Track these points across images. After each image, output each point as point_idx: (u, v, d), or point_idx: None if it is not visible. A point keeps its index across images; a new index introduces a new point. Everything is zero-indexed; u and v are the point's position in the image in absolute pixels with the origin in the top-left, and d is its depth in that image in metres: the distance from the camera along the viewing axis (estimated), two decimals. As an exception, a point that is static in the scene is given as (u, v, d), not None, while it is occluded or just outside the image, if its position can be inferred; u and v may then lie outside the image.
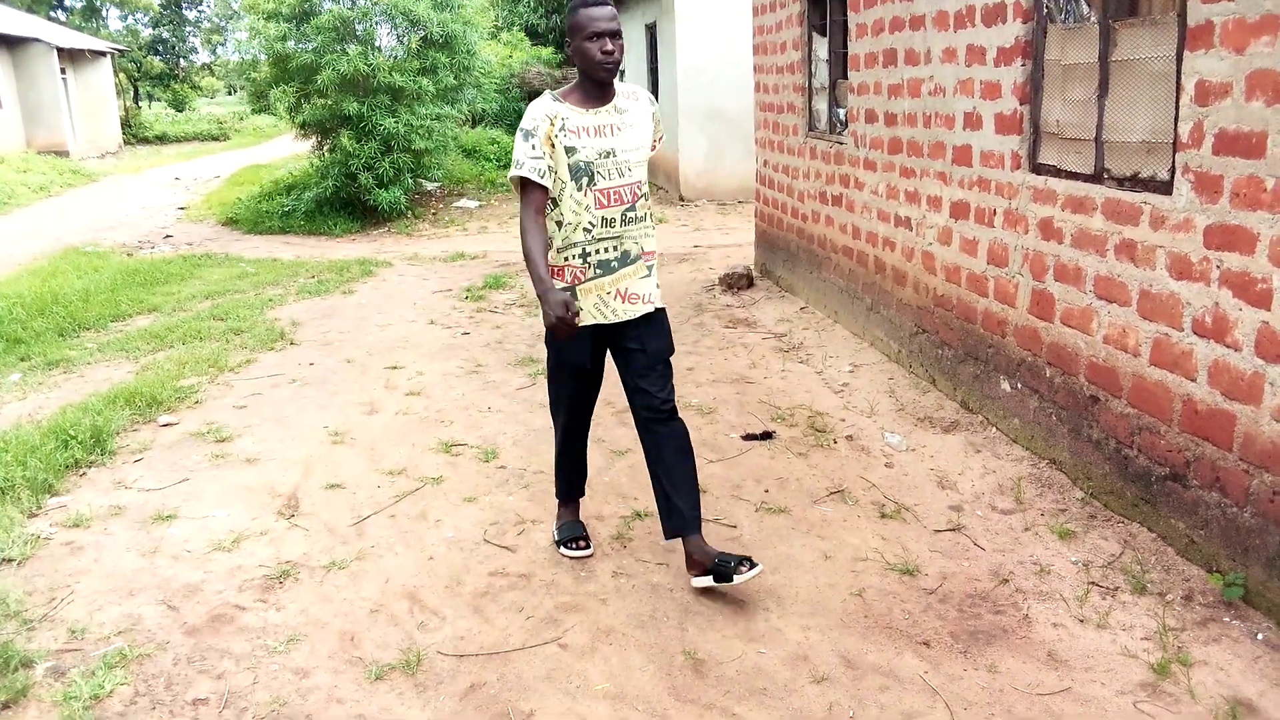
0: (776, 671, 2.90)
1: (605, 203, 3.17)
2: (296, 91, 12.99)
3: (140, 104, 42.92)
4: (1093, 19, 3.92)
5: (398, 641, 3.13)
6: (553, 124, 3.10)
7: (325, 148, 13.61)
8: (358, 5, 13.22)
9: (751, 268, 8.69)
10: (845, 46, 6.49)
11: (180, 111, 43.91)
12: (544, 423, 5.09)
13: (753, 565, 3.23)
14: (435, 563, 3.66)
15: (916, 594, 3.31)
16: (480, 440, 4.88)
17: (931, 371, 5.39)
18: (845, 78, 6.57)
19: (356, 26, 13.14)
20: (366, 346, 6.81)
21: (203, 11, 50.39)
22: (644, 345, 3.30)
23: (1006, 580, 3.36)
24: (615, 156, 3.16)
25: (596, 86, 3.15)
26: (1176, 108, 3.35)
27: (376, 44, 13.38)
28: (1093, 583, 3.30)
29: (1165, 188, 3.44)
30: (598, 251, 3.21)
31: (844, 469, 4.40)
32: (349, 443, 4.93)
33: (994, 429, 4.70)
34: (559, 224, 3.19)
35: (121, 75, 35.89)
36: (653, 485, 3.42)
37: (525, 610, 3.30)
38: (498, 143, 19.27)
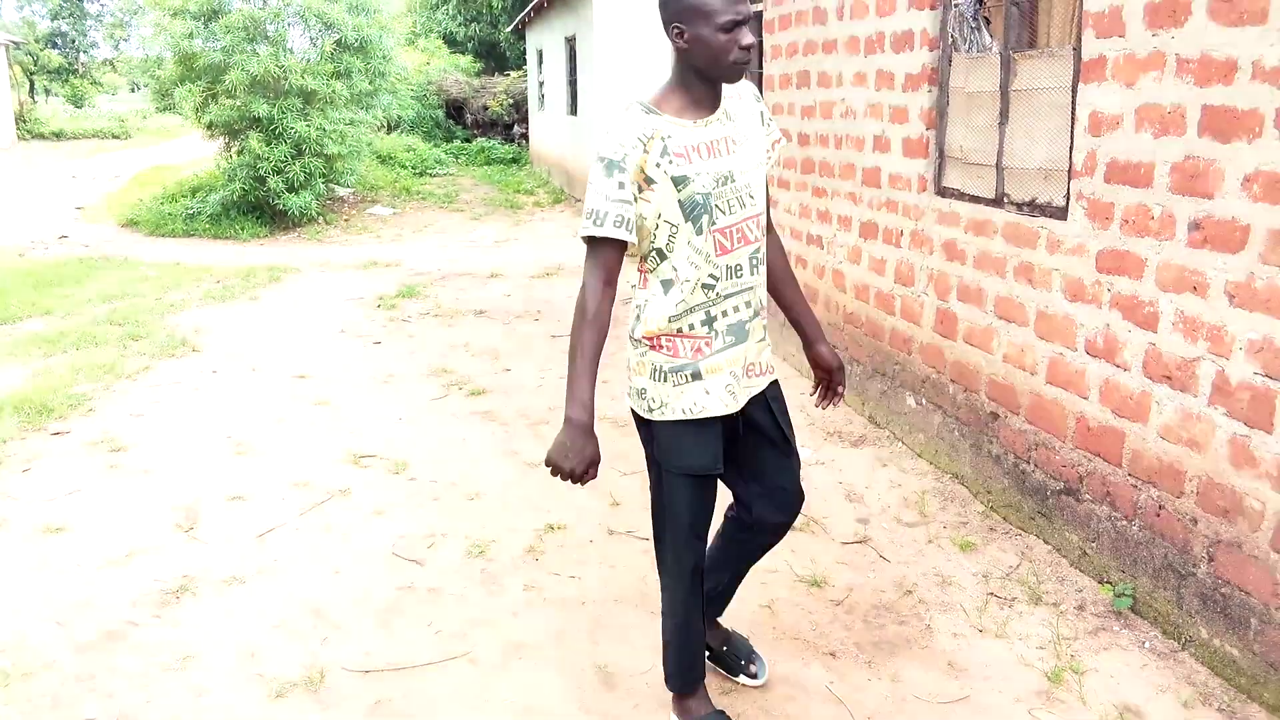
0: (686, 684, 2.91)
1: (728, 246, 2.30)
2: (203, 91, 12.63)
3: (36, 99, 41.13)
4: (994, 49, 4.08)
5: (300, 658, 3.05)
6: (647, 149, 2.20)
7: (233, 149, 13.25)
8: (269, 6, 12.94)
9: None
10: (761, 67, 6.60)
11: (79, 108, 42.23)
12: (456, 433, 5.04)
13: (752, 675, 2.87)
14: (341, 576, 3.58)
15: (824, 605, 3.37)
16: (390, 451, 4.79)
17: (841, 387, 5.49)
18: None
19: (268, 27, 12.86)
20: (273, 354, 6.64)
21: (105, 5, 48.61)
22: (774, 427, 2.58)
23: (910, 591, 3.45)
24: (734, 181, 2.28)
25: (708, 88, 2.27)
26: (1071, 137, 3.51)
27: (288, 46, 13.10)
28: (991, 593, 3.41)
29: (1061, 213, 3.59)
30: (726, 313, 2.35)
31: (755, 482, 4.45)
32: (253, 453, 4.79)
33: (900, 444, 4.82)
34: (667, 284, 2.31)
35: (16, 68, 34.36)
36: (717, 572, 2.83)
37: (434, 625, 3.25)
38: (413, 149, 19.07)
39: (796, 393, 5.68)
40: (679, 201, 2.24)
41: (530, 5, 17.51)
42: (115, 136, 32.71)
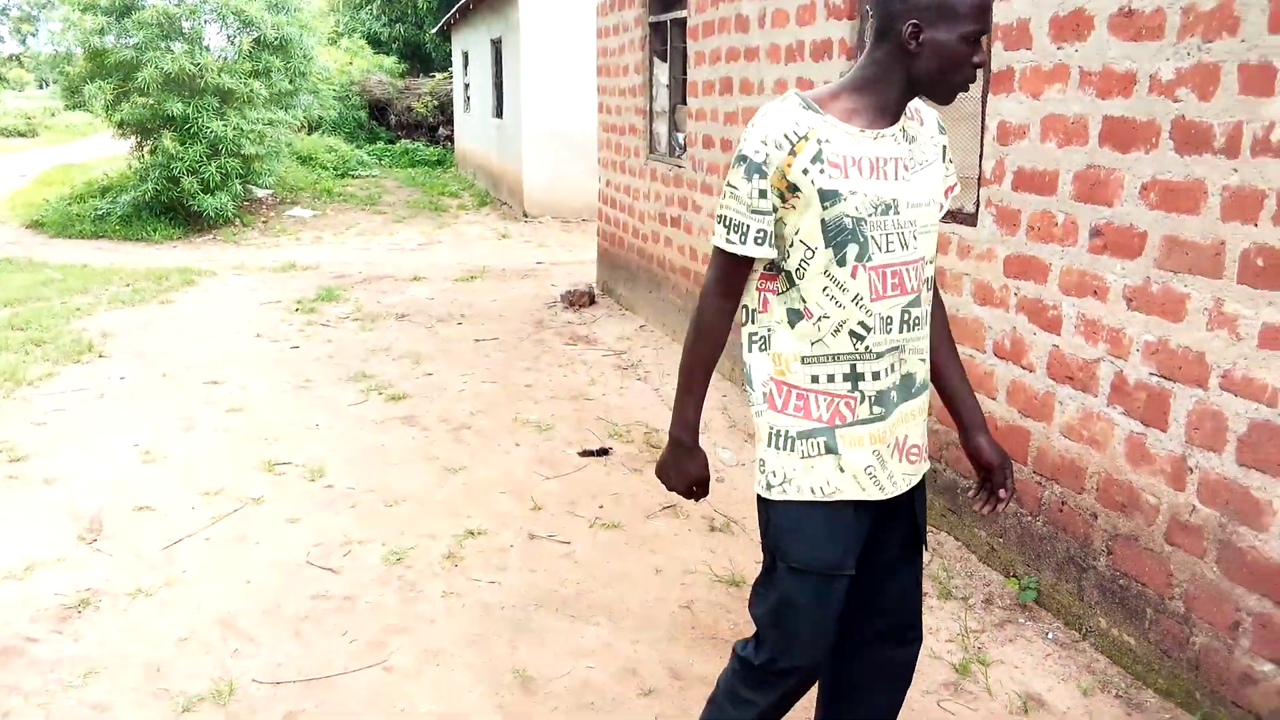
0: (606, 686, 2.92)
1: (882, 291, 1.86)
2: (115, 88, 12.22)
3: (-66, 93, 39.30)
4: (908, 59, 4.17)
5: (209, 671, 2.97)
6: (795, 150, 1.79)
7: (146, 149, 12.85)
8: (185, 2, 12.58)
9: (594, 285, 8.76)
10: (685, 73, 6.66)
11: (-19, 103, 40.44)
12: (375, 439, 4.97)
13: None
14: (253, 587, 3.49)
15: (742, 605, 3.40)
16: (306, 458, 4.69)
17: (762, 389, 5.56)
18: (685, 103, 6.74)
19: (183, 24, 12.50)
20: (185, 360, 6.45)
21: (10, -2, 46.68)
22: (912, 532, 2.07)
23: (827, 590, 3.50)
24: (898, 213, 1.85)
25: (900, 99, 1.85)
26: (981, 146, 3.61)
27: (205, 43, 12.76)
28: (905, 590, 3.49)
29: (971, 220, 3.69)
30: (878, 375, 1.90)
31: (677, 484, 4.47)
32: (162, 462, 4.65)
33: (819, 445, 4.89)
34: (794, 315, 1.88)
35: (-88, 60, 32.77)
36: None
37: (349, 634, 3.19)
38: (335, 150, 18.73)
39: (718, 395, 5.74)
40: (822, 220, 1.81)
41: (456, 7, 17.36)
42: (21, 134, 31.38)
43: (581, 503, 4.26)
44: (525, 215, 13.89)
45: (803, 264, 1.85)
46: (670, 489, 2.09)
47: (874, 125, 1.84)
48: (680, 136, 6.98)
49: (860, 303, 1.85)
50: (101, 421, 5.20)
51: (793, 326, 1.88)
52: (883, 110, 1.84)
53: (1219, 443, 2.64)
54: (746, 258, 1.87)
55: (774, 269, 1.89)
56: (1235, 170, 2.55)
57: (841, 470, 1.90)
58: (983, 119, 3.60)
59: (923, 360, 1.98)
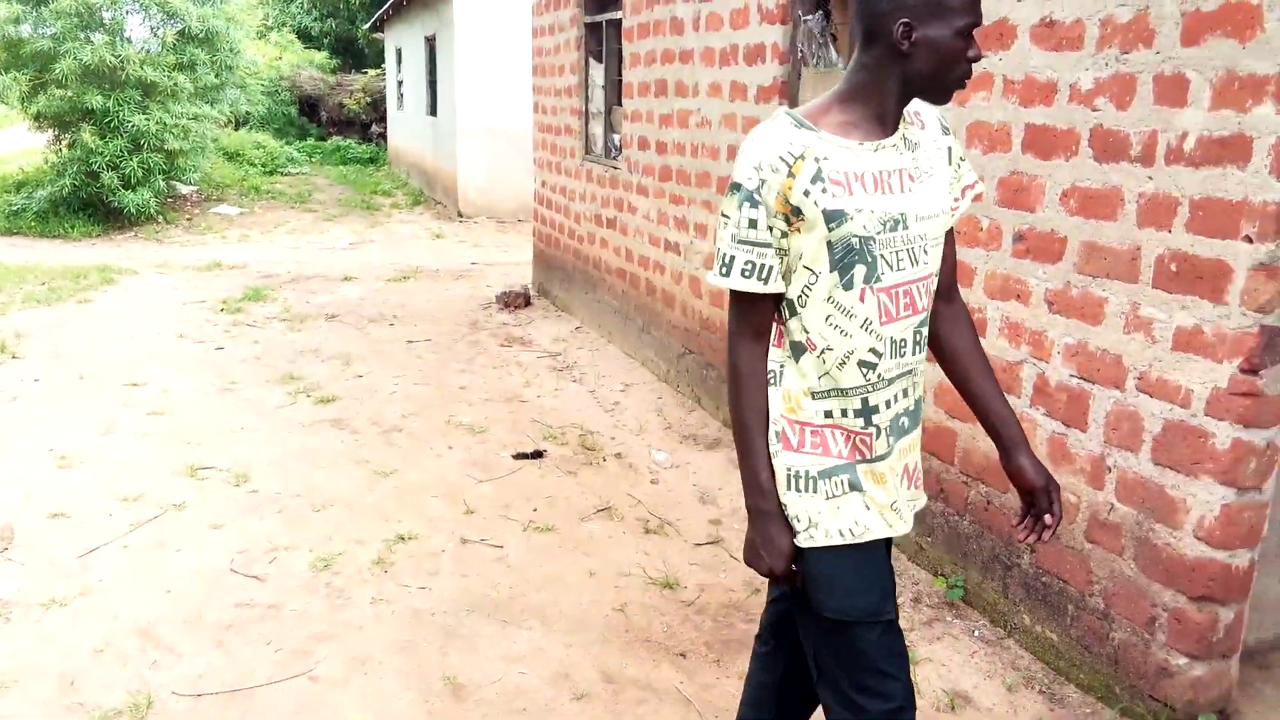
0: (538, 691, 2.89)
1: (893, 313, 1.75)
2: (31, 80, 11.78)
3: None
4: (840, 65, 4.23)
5: (126, 683, 2.87)
6: (794, 171, 1.67)
7: (64, 143, 12.41)
8: (105, -9, 12.18)
9: (529, 286, 8.70)
10: (621, 74, 6.65)
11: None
12: (303, 442, 4.86)
13: None
14: (173, 596, 3.39)
15: (676, 606, 3.41)
16: (231, 462, 4.57)
17: (697, 391, 5.59)
18: (620, 104, 6.74)
19: (103, 14, 12.10)
20: (104, 361, 6.24)
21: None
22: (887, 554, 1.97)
23: (759, 590, 3.52)
24: (906, 228, 1.74)
25: (895, 106, 1.73)
26: (909, 151, 3.67)
27: (126, 34, 12.37)
28: (836, 590, 3.52)
29: (900, 223, 3.74)
30: (889, 403, 1.80)
31: (612, 486, 4.47)
32: (78, 466, 4.49)
33: (753, 446, 4.92)
34: (796, 348, 1.77)
35: None
36: None
37: (273, 643, 3.11)
38: (264, 147, 18.34)
39: (654, 397, 5.75)
40: (827, 243, 1.69)
41: (389, 3, 17.11)
42: (-71, 125, 30.10)
43: (515, 506, 4.22)
44: (460, 215, 13.76)
45: (805, 291, 1.73)
46: (766, 573, 1.79)
47: (872, 137, 1.72)
48: (616, 138, 6.97)
49: (869, 328, 1.73)
50: (14, 425, 5.00)
51: (797, 360, 1.76)
52: (880, 119, 1.72)
53: (1136, 443, 2.72)
54: (752, 295, 1.73)
55: (776, 300, 1.77)
56: (1150, 178, 2.63)
57: (868, 508, 1.78)
58: (911, 125, 3.65)
59: (919, 381, 1.88)
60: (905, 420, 1.83)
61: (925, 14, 1.63)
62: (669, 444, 5.02)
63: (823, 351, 1.74)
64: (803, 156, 1.67)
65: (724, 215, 1.73)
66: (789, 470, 1.77)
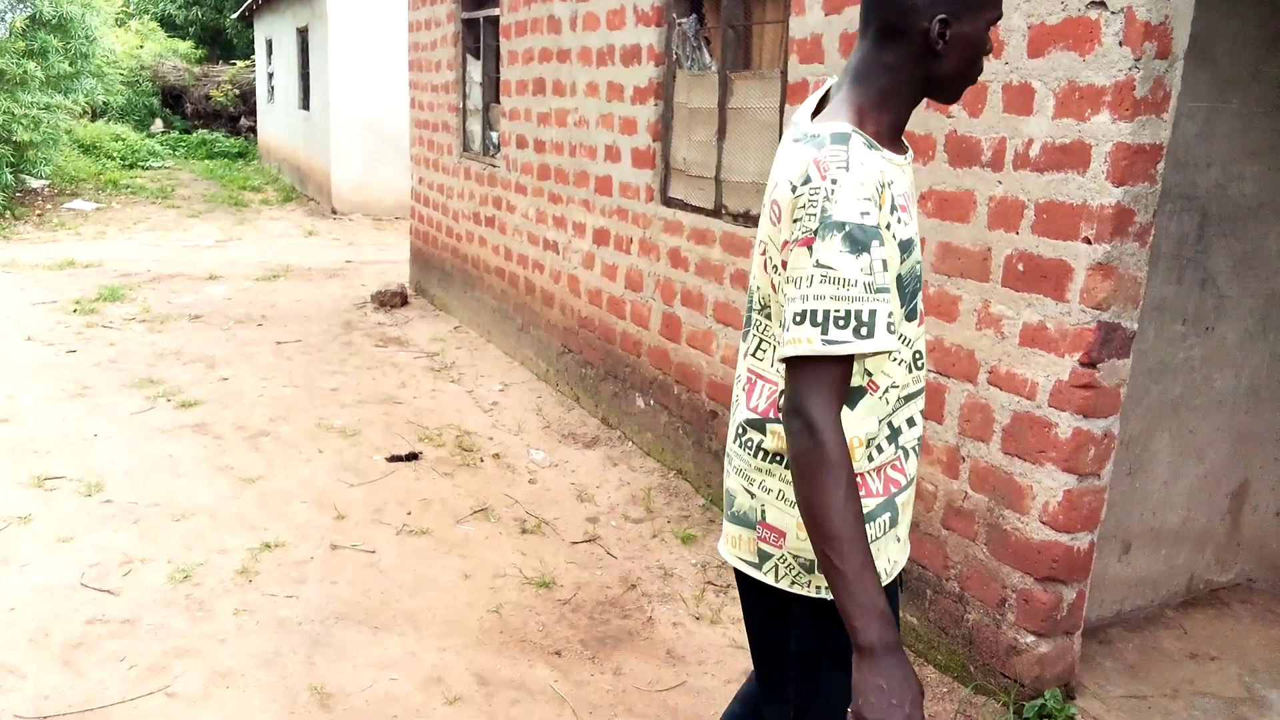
0: (409, 697, 2.84)
1: (920, 333, 1.65)
2: None
3: None
4: (713, 68, 4.30)
5: (-40, 708, 2.68)
6: (881, 204, 1.46)
7: (-104, 131, 11.52)
8: (-57, -31, 11.38)
9: (406, 285, 8.53)
10: (499, 71, 6.59)
11: None
12: (161, 449, 4.64)
13: None
14: (17, 614, 3.18)
15: (552, 605, 3.40)
16: (82, 471, 4.32)
17: (576, 390, 5.59)
18: (498, 102, 6.68)
19: (-60, -7, 11.30)
20: (-59, 365, 5.81)
21: None
22: None
23: (634, 586, 3.55)
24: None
25: (909, 111, 1.59)
26: (778, 153, 3.75)
27: (-33, 17, 11.58)
28: (709, 582, 3.58)
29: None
30: (914, 421, 1.67)
31: (489, 487, 4.42)
32: (-91, 478, 4.17)
33: (630, 443, 4.96)
34: (858, 393, 1.55)
35: None
36: None
37: (127, 660, 2.96)
38: (123, 139, 17.44)
39: (534, 397, 5.72)
40: (899, 276, 1.52)
41: (258, -8, 16.51)
42: None
43: (388, 510, 4.13)
44: (334, 212, 13.38)
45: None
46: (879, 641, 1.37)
47: (898, 148, 1.57)
48: (494, 135, 6.91)
49: (919, 360, 1.62)
50: None
51: (853, 408, 1.53)
52: (900, 127, 1.57)
53: (987, 433, 2.86)
54: (846, 358, 1.43)
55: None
56: (1000, 182, 2.77)
57: (898, 540, 1.66)
58: (780, 127, 3.74)
59: None
60: (916, 439, 1.68)
61: (961, 9, 1.49)
62: (548, 443, 5.00)
63: (886, 390, 1.56)
64: (885, 185, 1.47)
65: (826, 267, 1.40)
66: None
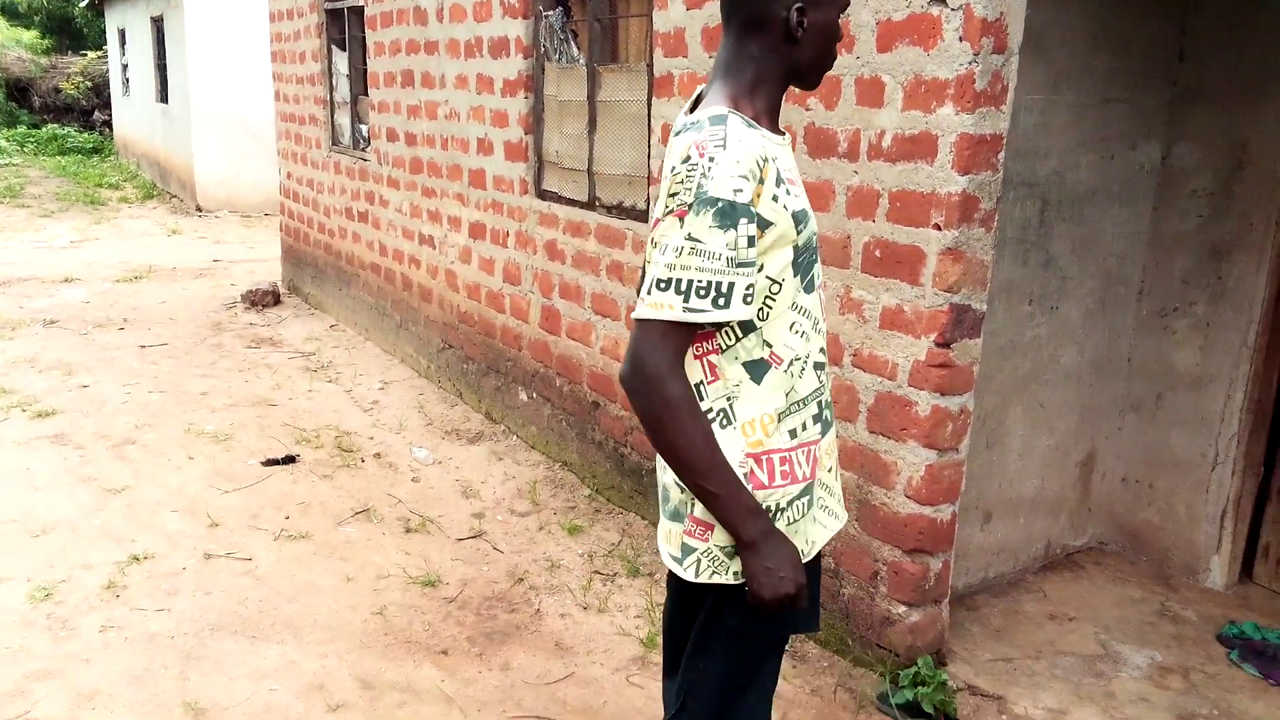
0: (290, 706, 2.78)
1: (823, 306, 1.73)
2: None
3: None
4: (581, 61, 4.31)
5: None
6: (763, 178, 1.53)
7: None
8: None
9: (279, 284, 8.27)
10: (366, 63, 6.44)
11: None
12: (17, 461, 4.41)
13: None
14: None
15: (438, 604, 3.38)
16: (-73, 491, 4.06)
17: (459, 385, 5.54)
18: (367, 94, 6.53)
19: None
20: None
21: None
22: None
23: (521, 579, 3.56)
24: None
25: (781, 95, 1.68)
26: (649, 146, 3.81)
27: None
28: (596, 571, 3.62)
29: (643, 216, 3.88)
30: (830, 402, 1.75)
31: (371, 487, 4.35)
32: None
33: (515, 437, 4.95)
34: (756, 368, 1.61)
35: None
36: None
37: (-17, 686, 2.81)
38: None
39: (415, 394, 5.65)
40: (795, 247, 1.58)
41: (107, -22, 15.65)
42: None
43: (265, 515, 4.02)
44: (199, 209, 12.84)
45: (767, 303, 1.58)
46: (793, 591, 1.56)
47: (776, 131, 1.64)
48: (364, 129, 6.76)
49: (818, 327, 1.67)
50: None
51: (759, 382, 1.59)
52: (773, 113, 1.64)
53: (854, 413, 2.98)
54: (695, 324, 1.51)
55: (737, 328, 1.59)
56: (856, 172, 2.88)
57: (815, 520, 1.72)
58: (649, 121, 3.79)
59: None
60: (831, 415, 1.75)
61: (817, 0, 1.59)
62: (430, 440, 4.95)
63: (790, 363, 1.61)
64: (767, 159, 1.54)
65: (694, 239, 1.48)
66: (763, 505, 1.61)
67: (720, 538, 1.62)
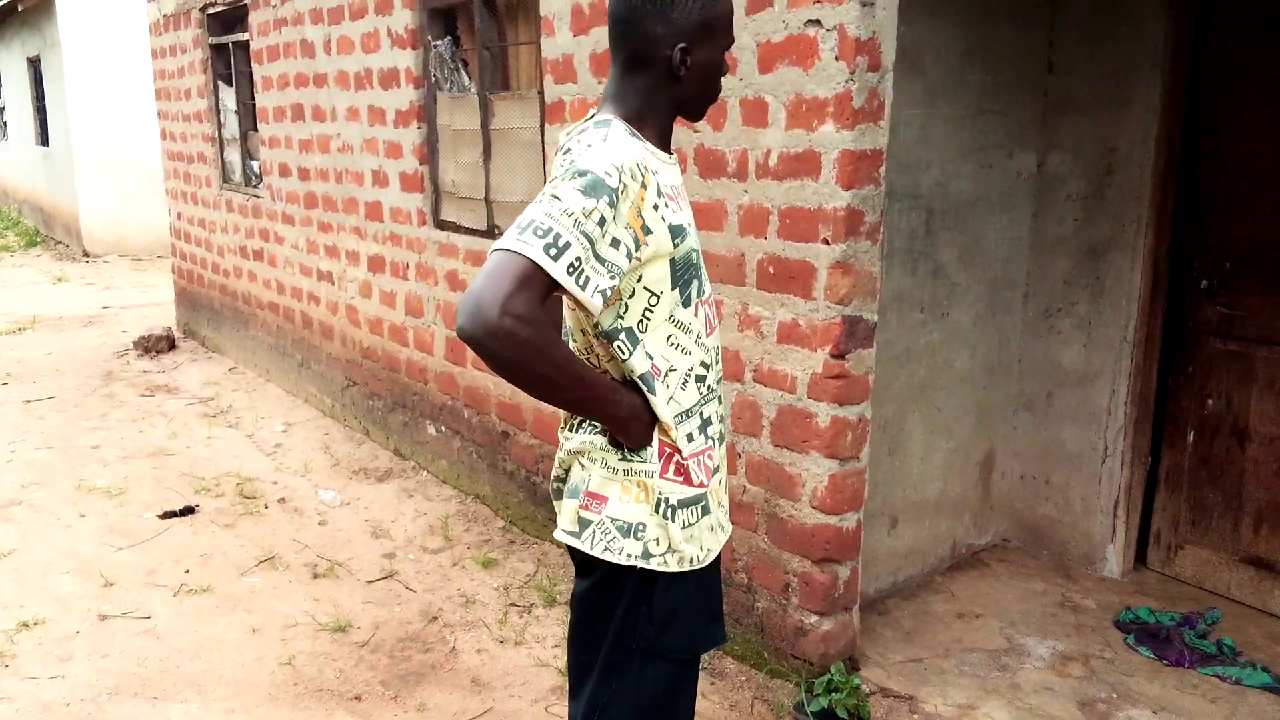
0: (195, 767, 2.67)
1: (712, 324, 1.76)
2: None
3: None
4: (473, 90, 4.30)
5: None
6: (645, 184, 1.57)
7: None
8: None
9: (173, 328, 8.00)
10: (254, 98, 6.31)
11: None
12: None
13: None
14: None
15: (349, 649, 3.29)
16: None
17: (365, 423, 5.43)
18: (256, 129, 6.39)
19: None
20: None
21: None
22: None
23: (435, 618, 3.49)
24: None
25: (669, 126, 1.73)
26: (544, 172, 3.81)
27: None
28: (512, 604, 3.57)
29: (542, 242, 3.87)
30: (722, 418, 1.81)
31: (275, 534, 4.22)
32: None
33: (425, 472, 4.87)
34: (645, 380, 1.65)
35: None
36: None
37: None
38: None
39: (320, 434, 5.52)
40: (672, 260, 1.63)
41: (-23, 19, 14.99)
42: None
43: (163, 570, 3.87)
44: (86, 254, 12.36)
45: (646, 315, 1.63)
46: (646, 441, 1.66)
47: (667, 151, 1.72)
48: (255, 165, 6.60)
49: (700, 341, 1.71)
50: None
51: (653, 393, 1.65)
52: (660, 141, 1.70)
53: (757, 428, 3.01)
54: (549, 279, 1.45)
55: (613, 334, 1.62)
56: (746, 191, 2.93)
57: (712, 529, 1.76)
58: (543, 147, 3.80)
59: None
60: (724, 429, 1.82)
61: (699, 38, 1.64)
62: (337, 481, 4.83)
63: (667, 374, 1.66)
64: (649, 169, 1.59)
65: (556, 197, 1.49)
66: (660, 494, 1.67)
67: (614, 509, 1.66)
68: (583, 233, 1.47)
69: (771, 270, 2.89)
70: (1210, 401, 3.46)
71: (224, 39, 6.65)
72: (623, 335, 1.62)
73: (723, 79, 1.74)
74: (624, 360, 1.63)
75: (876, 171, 2.70)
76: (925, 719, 2.83)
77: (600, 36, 3.38)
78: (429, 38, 4.44)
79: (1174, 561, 3.62)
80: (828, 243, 2.72)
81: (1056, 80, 3.55)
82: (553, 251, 1.44)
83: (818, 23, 2.63)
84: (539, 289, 1.44)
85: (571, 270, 1.46)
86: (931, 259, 3.35)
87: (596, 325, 1.62)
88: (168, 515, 4.38)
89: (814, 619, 2.97)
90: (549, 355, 1.47)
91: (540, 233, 1.45)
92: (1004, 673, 3.05)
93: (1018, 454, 3.87)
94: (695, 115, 1.75)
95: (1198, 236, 3.42)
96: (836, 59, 2.61)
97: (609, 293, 1.51)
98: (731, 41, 1.71)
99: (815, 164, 2.71)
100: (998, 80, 3.39)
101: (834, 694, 2.80)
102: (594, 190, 1.48)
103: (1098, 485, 3.63)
